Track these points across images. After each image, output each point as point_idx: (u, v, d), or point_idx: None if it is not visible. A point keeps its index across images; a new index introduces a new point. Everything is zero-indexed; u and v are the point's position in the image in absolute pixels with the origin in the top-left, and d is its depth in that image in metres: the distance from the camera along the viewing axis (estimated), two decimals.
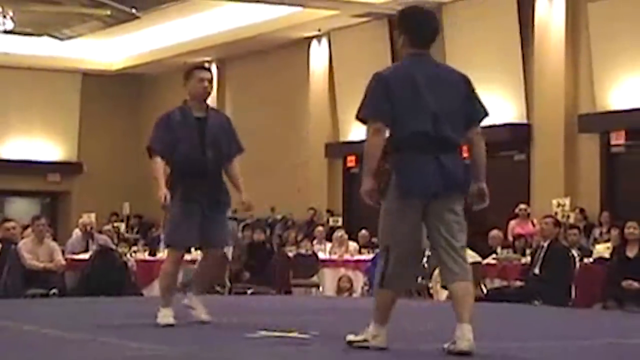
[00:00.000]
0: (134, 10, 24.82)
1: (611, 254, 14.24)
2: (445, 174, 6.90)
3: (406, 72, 6.94)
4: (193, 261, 16.14)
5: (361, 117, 6.93)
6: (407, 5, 7.47)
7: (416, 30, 7.01)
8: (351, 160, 23.91)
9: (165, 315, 8.60)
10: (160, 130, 9.01)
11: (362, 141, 7.73)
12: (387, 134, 6.86)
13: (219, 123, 9.04)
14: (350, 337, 7.32)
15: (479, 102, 7.24)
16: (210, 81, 9.06)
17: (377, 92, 6.87)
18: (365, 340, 7.29)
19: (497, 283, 15.37)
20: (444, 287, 15.82)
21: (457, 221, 7.04)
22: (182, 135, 8.88)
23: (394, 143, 6.83)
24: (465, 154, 7.13)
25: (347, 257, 18.10)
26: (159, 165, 8.77)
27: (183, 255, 9.00)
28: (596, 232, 17.82)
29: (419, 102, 6.84)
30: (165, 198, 8.54)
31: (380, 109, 6.81)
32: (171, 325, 8.48)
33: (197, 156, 8.77)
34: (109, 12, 25.05)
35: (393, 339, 7.28)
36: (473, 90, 7.27)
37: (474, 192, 7.15)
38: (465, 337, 6.81)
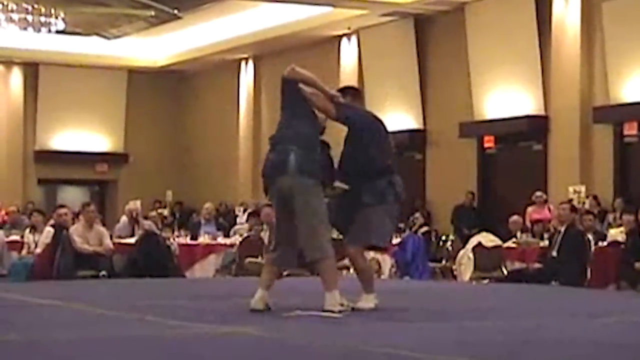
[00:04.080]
0: (176, 11, 24.87)
1: (625, 238, 14.18)
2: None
3: None
4: (232, 245, 16.28)
5: None
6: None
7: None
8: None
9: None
10: None
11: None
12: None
13: None
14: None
15: None
16: None
17: None
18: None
19: (517, 265, 15.35)
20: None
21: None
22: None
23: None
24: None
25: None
26: None
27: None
28: (610, 217, 17.74)
29: None
30: None
31: None
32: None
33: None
34: (152, 13, 25.11)
35: (416, 317, 7.28)
36: None
37: None
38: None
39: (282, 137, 8.32)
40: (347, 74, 24.55)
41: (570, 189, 19.00)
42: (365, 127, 8.53)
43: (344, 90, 8.82)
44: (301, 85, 8.32)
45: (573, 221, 14.21)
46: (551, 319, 8.35)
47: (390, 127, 9.37)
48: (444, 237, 19.45)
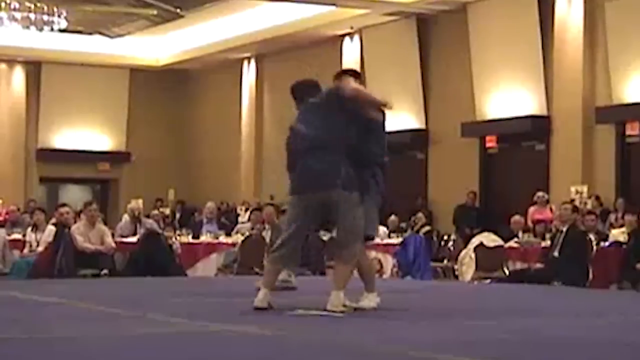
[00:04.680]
0: (178, 10, 24.90)
1: (627, 238, 14.18)
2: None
3: None
4: (234, 244, 16.27)
5: None
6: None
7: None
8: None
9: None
10: None
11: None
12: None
13: None
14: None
15: None
16: None
17: None
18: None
19: (519, 265, 15.36)
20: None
21: None
22: None
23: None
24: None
25: (377, 240, 18.09)
26: None
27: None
28: (612, 217, 17.73)
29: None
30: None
31: None
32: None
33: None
34: (155, 12, 25.14)
35: (418, 317, 7.28)
36: None
37: None
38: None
39: (325, 142, 8.12)
40: None
41: (572, 189, 19.00)
42: (381, 122, 8.50)
43: (346, 73, 8.79)
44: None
45: (575, 221, 14.21)
46: (553, 319, 8.35)
47: (393, 126, 9.38)
48: (445, 237, 19.46)
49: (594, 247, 14.24)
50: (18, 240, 16.13)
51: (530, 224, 17.79)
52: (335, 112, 8.19)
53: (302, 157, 8.17)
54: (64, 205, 15.69)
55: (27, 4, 22.73)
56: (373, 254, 17.61)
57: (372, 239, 8.83)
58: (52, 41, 27.04)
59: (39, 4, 22.84)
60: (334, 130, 8.12)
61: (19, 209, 22.39)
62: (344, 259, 8.11)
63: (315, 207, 8.14)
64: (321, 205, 8.11)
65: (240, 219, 22.00)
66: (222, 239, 17.00)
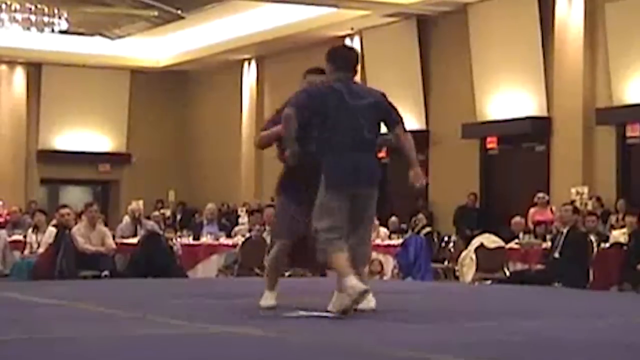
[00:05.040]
0: (179, 11, 24.91)
1: (628, 239, 14.17)
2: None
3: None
4: (234, 245, 16.27)
5: None
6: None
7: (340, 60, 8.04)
8: (381, 153, 23.89)
9: (266, 298, 8.44)
10: None
11: (384, 134, 8.06)
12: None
13: None
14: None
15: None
16: None
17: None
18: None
19: (520, 266, 15.35)
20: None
21: None
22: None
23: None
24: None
25: (378, 242, 18.07)
26: None
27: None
28: (612, 218, 17.73)
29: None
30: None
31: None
32: (273, 308, 8.26)
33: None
34: (155, 13, 25.15)
35: (418, 318, 7.26)
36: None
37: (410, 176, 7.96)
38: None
39: (362, 141, 7.90)
40: None
41: (573, 190, 19.00)
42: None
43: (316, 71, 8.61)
44: None
45: (575, 222, 14.20)
46: (553, 320, 8.34)
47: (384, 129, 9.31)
48: (446, 238, 19.46)
49: (595, 249, 14.24)
50: (19, 242, 16.13)
51: (530, 225, 17.79)
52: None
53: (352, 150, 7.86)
54: (64, 206, 15.70)
55: (28, 5, 22.75)
56: (374, 255, 17.65)
57: None
58: (53, 42, 27.07)
59: (39, 6, 22.86)
60: (366, 130, 7.93)
61: (21, 210, 22.39)
62: (369, 257, 8.09)
63: (352, 200, 7.85)
64: (358, 200, 7.87)
65: (240, 221, 22.00)
66: (223, 240, 17.00)
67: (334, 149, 7.82)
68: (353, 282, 7.56)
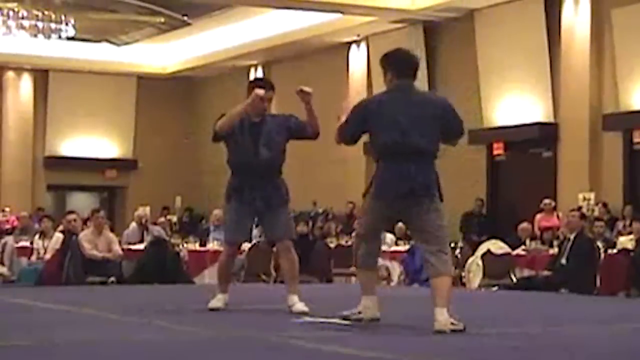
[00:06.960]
0: (185, 18, 24.93)
1: (635, 245, 14.14)
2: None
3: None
4: (241, 252, 16.25)
5: None
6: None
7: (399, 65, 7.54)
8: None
9: (218, 300, 8.72)
10: None
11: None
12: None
13: (277, 124, 9.11)
14: (345, 313, 7.55)
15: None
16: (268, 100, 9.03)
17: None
18: (359, 313, 7.53)
19: (526, 273, 15.32)
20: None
21: None
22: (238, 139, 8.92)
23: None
24: None
25: (384, 248, 18.07)
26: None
27: (235, 250, 9.17)
28: (619, 224, 17.69)
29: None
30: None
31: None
32: (217, 310, 8.60)
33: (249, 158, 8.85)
34: (162, 20, 25.18)
35: (425, 324, 7.24)
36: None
37: None
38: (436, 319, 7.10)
39: (416, 149, 8.01)
40: (356, 80, 24.57)
41: (580, 196, 18.96)
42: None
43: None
44: None
45: (582, 228, 14.18)
46: (560, 326, 8.32)
47: None
48: (452, 244, 19.39)
49: (602, 255, 14.20)
50: (26, 248, 16.15)
51: (537, 231, 17.76)
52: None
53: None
54: (71, 212, 15.72)
55: (35, 12, 22.78)
56: (380, 261, 17.61)
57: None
58: (60, 49, 27.10)
59: (46, 12, 22.89)
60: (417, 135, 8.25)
61: (30, 216, 22.41)
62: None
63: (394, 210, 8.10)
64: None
65: None
66: None
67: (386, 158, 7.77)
68: (367, 304, 7.58)
